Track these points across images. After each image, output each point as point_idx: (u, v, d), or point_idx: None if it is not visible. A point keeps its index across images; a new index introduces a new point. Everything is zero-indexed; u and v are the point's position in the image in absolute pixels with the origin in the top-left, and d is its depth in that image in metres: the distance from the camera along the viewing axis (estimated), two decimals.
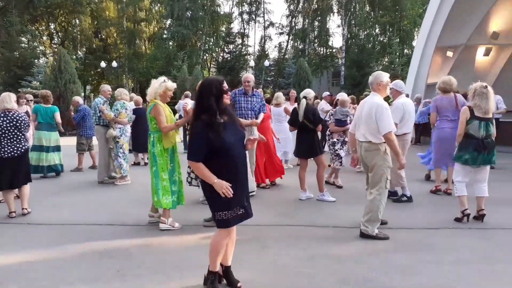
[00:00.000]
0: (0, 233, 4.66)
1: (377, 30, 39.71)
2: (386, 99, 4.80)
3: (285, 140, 8.32)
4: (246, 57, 42.02)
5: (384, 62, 35.99)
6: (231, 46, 41.28)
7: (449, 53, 15.05)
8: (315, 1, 39.92)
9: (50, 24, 38.80)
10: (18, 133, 5.23)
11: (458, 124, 6.11)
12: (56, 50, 32.08)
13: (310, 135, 6.04)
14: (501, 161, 8.73)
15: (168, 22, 40.07)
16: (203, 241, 4.20)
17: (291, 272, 3.55)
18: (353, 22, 38.89)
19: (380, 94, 4.51)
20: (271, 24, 44.41)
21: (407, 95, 13.61)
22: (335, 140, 7.00)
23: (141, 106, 9.71)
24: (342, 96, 7.20)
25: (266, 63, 36.36)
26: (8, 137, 5.17)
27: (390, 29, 38.03)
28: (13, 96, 5.38)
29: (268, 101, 9.15)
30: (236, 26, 44.91)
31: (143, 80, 37.16)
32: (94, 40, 38.56)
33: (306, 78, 26.41)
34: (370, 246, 4.21)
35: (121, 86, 34.88)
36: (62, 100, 17.41)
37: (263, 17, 44.12)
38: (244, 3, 43.21)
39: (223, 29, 42.17)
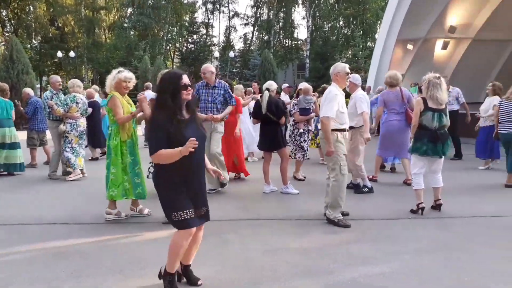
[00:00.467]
0: None
1: (341, 23, 40.21)
2: None
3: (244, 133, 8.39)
4: (210, 47, 41.51)
5: (348, 55, 36.53)
6: (195, 36, 40.64)
7: (410, 46, 15.45)
8: None
9: (1, 10, 36.61)
10: None
11: (404, 116, 6.46)
12: (8, 38, 30.40)
13: (273, 128, 5.98)
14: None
15: (129, 10, 38.86)
16: (164, 238, 4.07)
17: (254, 266, 3.50)
18: (317, 14, 39.17)
19: (337, 84, 4.70)
20: (236, 14, 44.01)
21: (369, 88, 13.99)
22: (301, 130, 6.95)
23: (94, 99, 9.33)
24: (305, 85, 7.23)
25: (231, 54, 36.03)
26: None
27: (354, 22, 38.58)
28: None
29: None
30: (200, 16, 44.27)
31: (103, 71, 35.94)
32: (50, 29, 36.70)
33: (271, 70, 26.42)
34: (332, 237, 4.24)
35: (79, 77, 33.62)
36: (14, 92, 16.42)
37: (228, 7, 43.68)
38: None
39: (187, 18, 41.38)
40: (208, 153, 5.70)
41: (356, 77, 6.17)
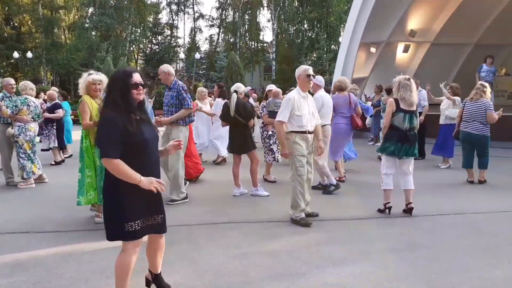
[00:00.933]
0: None
1: (305, 26, 40.81)
2: None
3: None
4: (175, 49, 40.97)
5: (313, 57, 37.10)
6: (159, 38, 39.94)
7: (373, 49, 15.84)
8: None
9: None
10: None
11: (350, 120, 6.76)
12: None
13: (242, 130, 5.96)
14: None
15: (90, 10, 37.71)
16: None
17: (225, 271, 3.45)
18: (282, 17, 39.59)
19: (300, 87, 4.81)
20: (201, 16, 43.79)
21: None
22: (270, 133, 6.99)
23: (56, 101, 9.00)
24: (273, 87, 7.28)
25: (197, 55, 35.76)
26: None
27: (318, 25, 39.26)
28: None
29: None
30: (164, 17, 43.60)
31: (63, 73, 34.71)
32: (5, 28, 34.99)
33: (238, 72, 26.38)
34: (303, 239, 4.25)
35: (38, 79, 32.30)
36: None
37: (193, 8, 43.39)
38: None
39: (151, 19, 40.66)
40: (166, 166, 5.58)
41: (320, 79, 6.37)
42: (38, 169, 6.82)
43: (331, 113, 6.37)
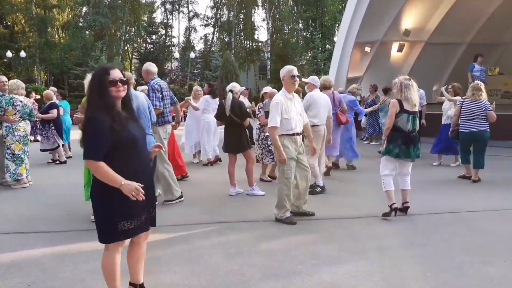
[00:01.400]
0: None
1: (300, 25, 40.87)
2: None
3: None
4: (170, 48, 40.88)
5: (308, 57, 37.18)
6: (154, 37, 39.88)
7: (367, 49, 15.89)
8: None
9: None
10: None
11: (335, 117, 6.79)
12: None
13: (237, 130, 5.95)
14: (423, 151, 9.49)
15: (84, 9, 37.51)
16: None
17: (222, 271, 3.45)
18: (277, 16, 39.61)
19: (285, 89, 4.78)
20: (196, 15, 43.69)
21: None
22: (267, 133, 6.97)
23: (52, 101, 8.95)
24: (269, 89, 7.30)
25: (192, 55, 35.72)
26: None
27: (313, 25, 39.33)
28: None
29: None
30: (159, 16, 43.55)
31: (57, 72, 34.51)
32: None
33: (233, 71, 26.40)
34: (298, 238, 4.26)
35: (31, 78, 32.10)
36: None
37: (187, 7, 43.27)
38: None
39: (145, 18, 40.53)
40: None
41: (316, 79, 6.40)
42: (27, 170, 6.72)
43: (327, 113, 6.35)
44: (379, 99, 11.19)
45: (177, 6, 43.09)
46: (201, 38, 46.13)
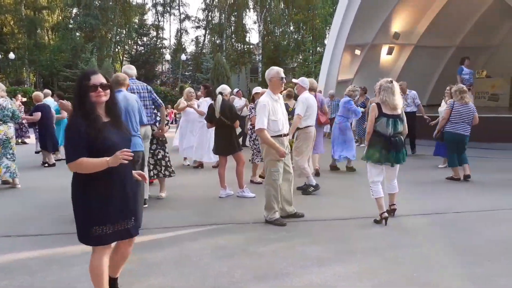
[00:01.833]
0: None
1: (291, 28, 41.03)
2: None
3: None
4: (161, 50, 40.77)
5: (299, 59, 37.33)
6: (145, 39, 39.76)
7: (357, 52, 16.04)
8: None
9: None
10: None
11: (316, 118, 6.75)
12: None
13: (227, 132, 5.97)
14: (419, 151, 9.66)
15: (74, 11, 37.26)
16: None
17: (211, 273, 3.45)
18: (268, 19, 39.73)
19: (272, 90, 4.78)
20: (187, 17, 43.67)
21: (320, 91, 14.37)
22: None
23: (41, 103, 8.85)
24: (261, 89, 7.33)
25: (183, 57, 35.65)
26: None
27: (304, 27, 39.53)
28: None
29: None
30: (150, 18, 43.41)
31: (46, 74, 34.22)
32: None
33: (225, 73, 26.43)
34: (288, 239, 4.28)
35: (20, 80, 31.79)
36: None
37: (179, 9, 43.24)
38: None
39: (136, 20, 40.39)
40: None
41: (305, 81, 6.41)
42: (4, 173, 6.62)
43: (315, 115, 6.42)
44: (368, 101, 11.29)
45: (168, 8, 43.06)
46: (192, 40, 46.17)
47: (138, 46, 40.43)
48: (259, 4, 39.11)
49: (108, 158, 2.41)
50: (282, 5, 40.27)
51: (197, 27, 43.70)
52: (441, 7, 15.42)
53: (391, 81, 4.69)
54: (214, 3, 41.98)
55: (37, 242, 4.22)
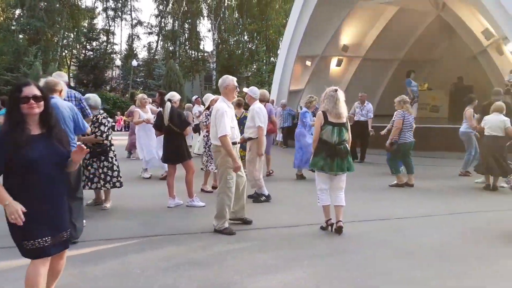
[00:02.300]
0: None
1: (245, 37, 41.36)
2: None
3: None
4: (111, 55, 39.53)
5: (253, 69, 37.66)
6: (94, 43, 38.34)
7: (308, 63, 16.47)
8: (184, 3, 39.63)
9: None
10: None
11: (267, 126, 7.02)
12: None
13: (177, 140, 5.85)
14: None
15: (18, 12, 35.33)
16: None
17: (155, 285, 3.34)
18: (223, 27, 39.83)
19: (226, 97, 4.81)
20: (139, 23, 42.71)
21: (272, 101, 14.52)
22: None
23: None
24: (213, 96, 7.29)
25: (134, 63, 34.84)
26: None
27: (258, 37, 39.98)
28: None
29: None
30: (100, 22, 42.05)
31: None
32: None
33: (177, 80, 26.05)
34: (236, 248, 4.25)
35: None
36: None
37: (130, 14, 42.20)
38: None
39: (85, 24, 38.94)
40: None
41: (254, 90, 6.48)
42: None
43: (266, 125, 6.52)
44: (317, 110, 11.54)
45: (119, 13, 41.94)
46: (144, 46, 45.04)
47: (87, 51, 38.84)
48: (213, 12, 39.13)
49: (7, 202, 2.36)
50: (237, 14, 40.56)
51: (150, 33, 42.88)
52: (387, 22, 16.24)
53: (336, 90, 4.74)
54: (168, 9, 41.47)
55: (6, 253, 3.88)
